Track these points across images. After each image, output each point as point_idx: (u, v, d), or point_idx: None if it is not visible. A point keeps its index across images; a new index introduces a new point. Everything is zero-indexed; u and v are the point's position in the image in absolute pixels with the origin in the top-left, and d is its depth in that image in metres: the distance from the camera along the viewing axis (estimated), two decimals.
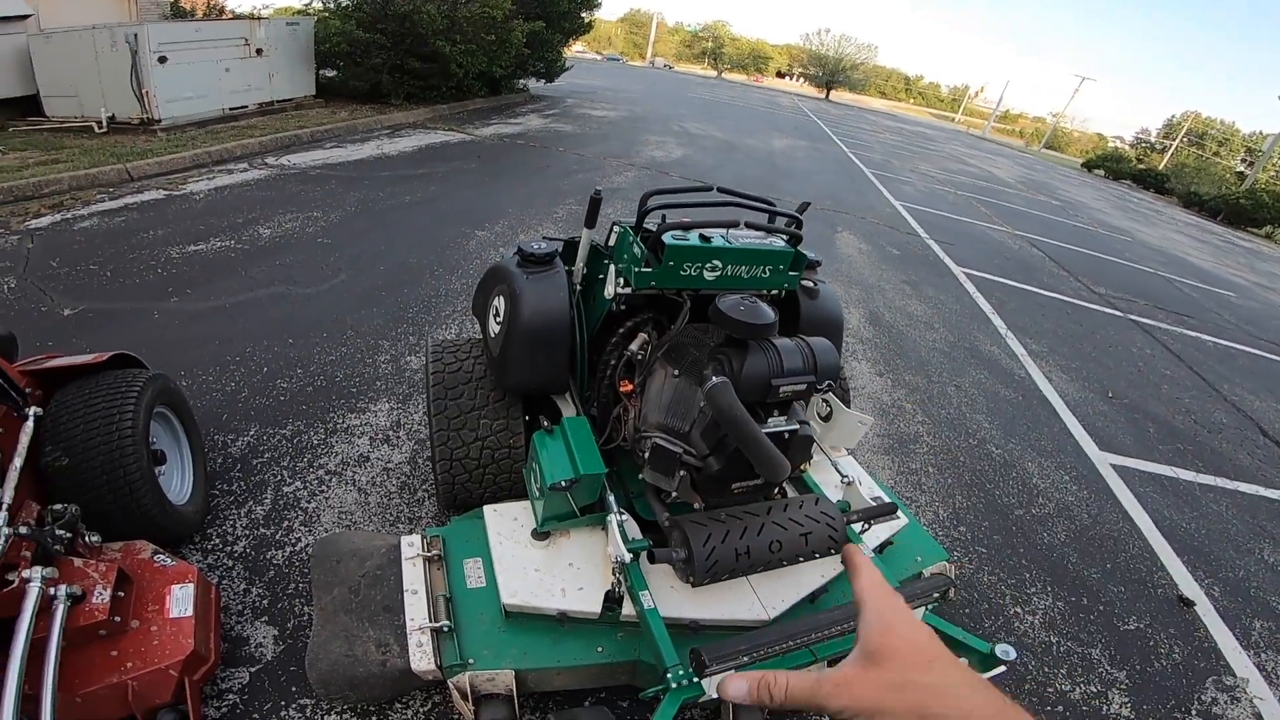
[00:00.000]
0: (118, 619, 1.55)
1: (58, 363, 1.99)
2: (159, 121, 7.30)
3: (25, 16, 7.15)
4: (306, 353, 3.41)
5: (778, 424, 1.69)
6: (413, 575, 1.81)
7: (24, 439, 1.71)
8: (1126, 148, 58.52)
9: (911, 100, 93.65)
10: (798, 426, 1.71)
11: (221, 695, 1.77)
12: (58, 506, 1.65)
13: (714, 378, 1.58)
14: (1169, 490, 3.98)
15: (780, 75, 79.89)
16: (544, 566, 1.81)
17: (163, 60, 7.14)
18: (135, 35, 6.91)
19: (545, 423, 1.92)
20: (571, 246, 2.22)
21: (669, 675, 1.45)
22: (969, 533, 3.12)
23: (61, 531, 1.60)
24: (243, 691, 1.79)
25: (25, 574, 1.42)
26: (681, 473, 1.75)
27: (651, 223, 1.93)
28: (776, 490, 2.04)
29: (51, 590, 1.44)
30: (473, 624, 1.72)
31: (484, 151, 8.92)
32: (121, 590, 1.59)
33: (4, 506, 1.51)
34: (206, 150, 6.64)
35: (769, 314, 1.65)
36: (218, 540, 2.23)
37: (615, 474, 2.03)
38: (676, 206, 2.01)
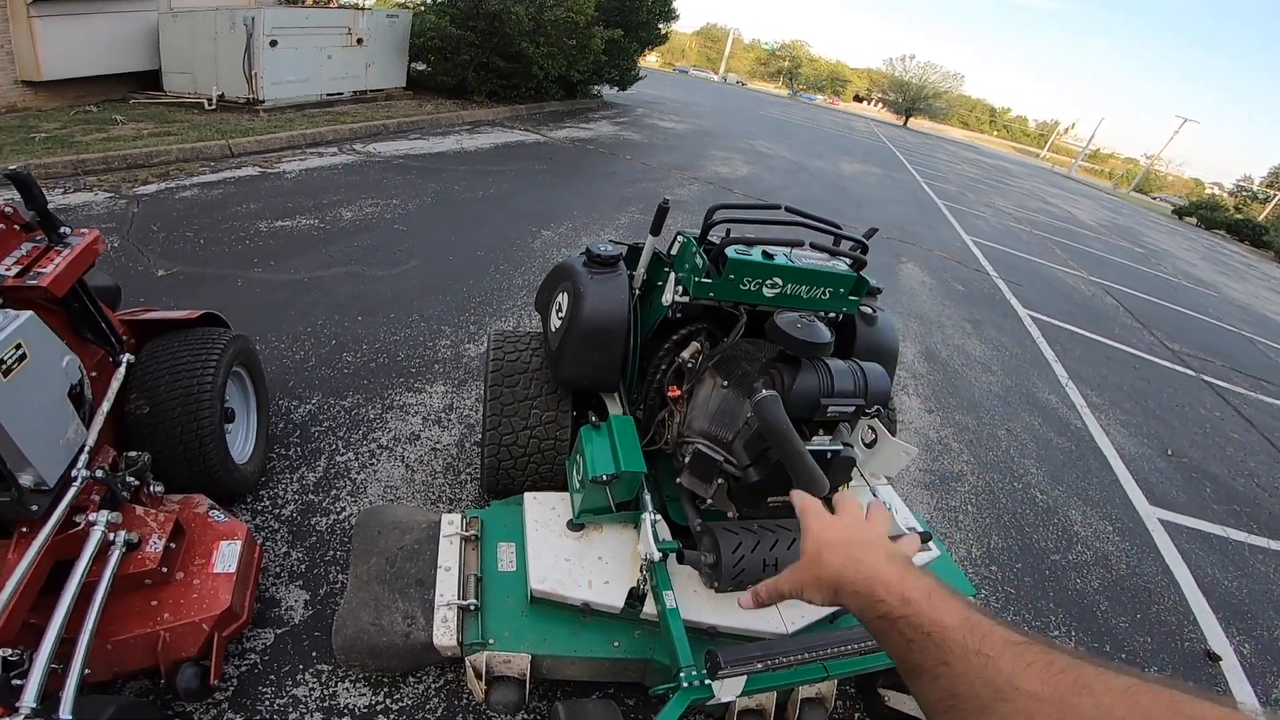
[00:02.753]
0: (165, 570, 1.58)
1: (153, 315, 2.14)
2: (262, 102, 7.78)
3: None
4: (373, 331, 3.58)
5: (821, 443, 1.70)
6: (448, 552, 1.88)
7: (115, 384, 1.81)
8: (1225, 195, 54.88)
9: (995, 133, 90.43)
10: (841, 448, 1.71)
11: (244, 654, 1.83)
12: (131, 453, 1.72)
13: (764, 390, 1.60)
14: (1216, 548, 3.79)
15: (858, 99, 78.52)
16: (574, 557, 1.85)
17: (274, 44, 7.61)
18: (253, 18, 7.40)
19: (594, 418, 1.97)
20: (635, 252, 2.27)
21: (681, 674, 1.47)
22: (1000, 572, 3.04)
23: (131, 479, 1.65)
24: (265, 652, 1.85)
25: (92, 517, 1.47)
26: (719, 480, 1.77)
27: (716, 235, 1.96)
28: None
29: (112, 535, 1.48)
30: (498, 605, 1.78)
31: (556, 154, 9.13)
32: (174, 542, 1.63)
33: (87, 449, 1.56)
34: (302, 133, 7.04)
35: (825, 334, 1.66)
36: (268, 501, 2.35)
37: (653, 477, 2.06)
38: (742, 222, 2.04)
